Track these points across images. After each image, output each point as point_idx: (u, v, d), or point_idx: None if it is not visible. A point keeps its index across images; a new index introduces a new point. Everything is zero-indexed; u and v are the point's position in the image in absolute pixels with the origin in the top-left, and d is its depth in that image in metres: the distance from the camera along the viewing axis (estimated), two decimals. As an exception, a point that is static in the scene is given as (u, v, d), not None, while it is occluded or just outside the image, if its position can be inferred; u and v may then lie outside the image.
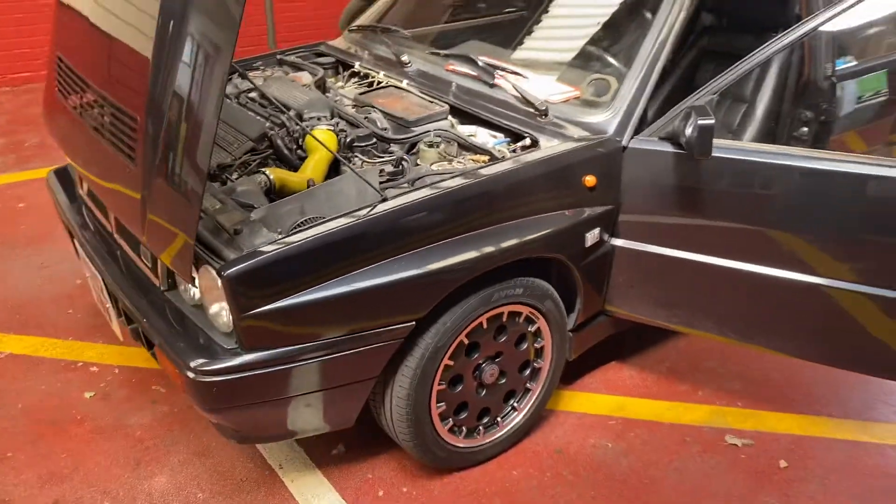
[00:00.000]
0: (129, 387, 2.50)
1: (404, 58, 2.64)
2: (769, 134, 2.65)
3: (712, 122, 1.94)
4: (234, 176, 2.08)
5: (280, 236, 1.77)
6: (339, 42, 3.04)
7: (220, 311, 1.78)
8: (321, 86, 2.67)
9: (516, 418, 2.26)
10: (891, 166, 1.92)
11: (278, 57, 2.98)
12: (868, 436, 2.39)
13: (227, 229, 1.81)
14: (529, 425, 2.30)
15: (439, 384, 2.01)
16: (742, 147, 2.17)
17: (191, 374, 1.73)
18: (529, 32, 2.89)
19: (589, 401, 2.50)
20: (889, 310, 1.99)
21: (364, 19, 3.12)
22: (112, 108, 1.85)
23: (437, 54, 2.64)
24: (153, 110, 1.67)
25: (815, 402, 2.52)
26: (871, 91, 2.78)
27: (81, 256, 2.32)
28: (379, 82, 2.60)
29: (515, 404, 2.26)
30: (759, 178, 2.06)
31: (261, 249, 1.72)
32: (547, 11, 2.94)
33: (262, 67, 2.89)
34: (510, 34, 2.92)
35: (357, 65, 2.76)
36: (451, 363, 2.01)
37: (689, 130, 1.99)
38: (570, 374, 2.56)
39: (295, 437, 1.99)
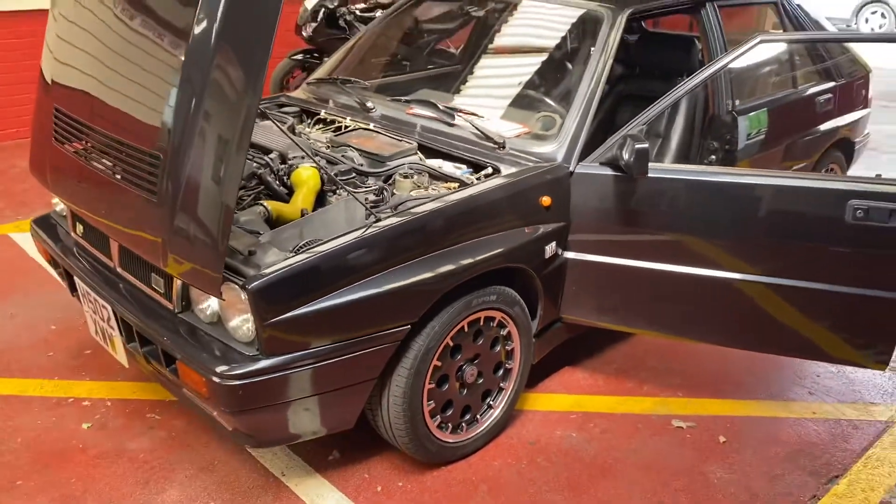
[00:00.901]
0: (124, 416, 2.63)
1: (369, 104, 2.95)
2: (684, 163, 3.09)
3: (646, 146, 2.33)
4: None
5: (291, 254, 2.02)
6: (300, 93, 3.33)
7: (242, 323, 2.00)
8: (292, 131, 2.93)
9: (493, 415, 2.53)
10: (784, 178, 2.37)
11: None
12: (788, 412, 2.78)
13: (241, 252, 2.04)
14: (504, 422, 2.58)
15: (429, 383, 2.27)
16: (669, 168, 2.57)
17: (217, 379, 1.94)
18: (469, 81, 3.28)
19: (551, 400, 2.80)
20: (787, 296, 2.41)
21: (320, 73, 3.42)
22: (130, 149, 2.06)
23: (398, 100, 2.97)
24: (179, 149, 1.89)
25: (744, 388, 2.91)
26: (764, 124, 3.28)
27: (83, 293, 2.47)
28: (347, 126, 2.89)
29: (491, 402, 2.53)
30: (684, 193, 2.46)
31: (277, 266, 1.96)
32: (481, 65, 3.35)
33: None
34: (452, 83, 3.30)
35: (323, 112, 3.04)
36: (440, 364, 2.28)
37: (626, 154, 2.38)
38: (533, 378, 2.85)
39: (300, 440, 2.19)
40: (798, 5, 3.80)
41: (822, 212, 2.33)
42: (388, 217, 2.19)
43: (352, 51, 3.50)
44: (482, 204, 2.32)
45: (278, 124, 2.55)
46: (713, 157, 3.17)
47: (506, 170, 2.49)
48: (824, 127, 3.72)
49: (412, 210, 2.22)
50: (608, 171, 2.49)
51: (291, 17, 6.00)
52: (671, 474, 2.44)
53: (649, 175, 2.41)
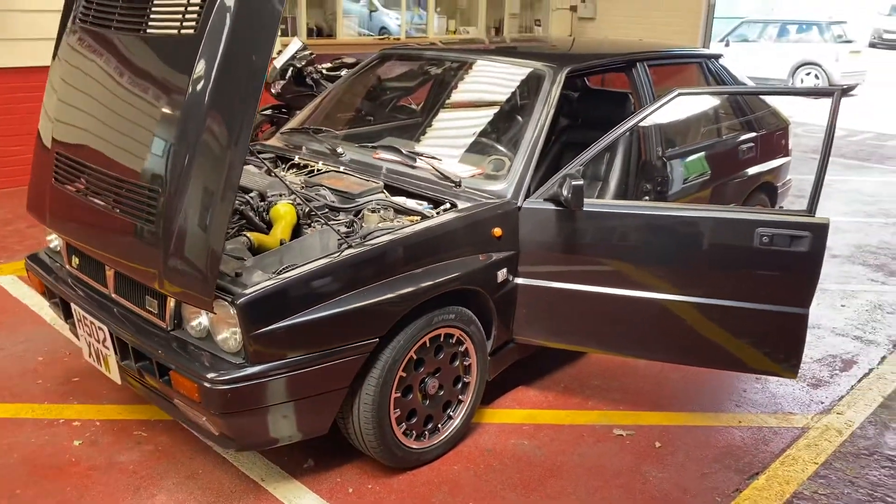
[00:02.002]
0: (112, 434, 2.85)
1: (339, 149, 3.28)
2: (621, 201, 3.46)
3: (582, 182, 2.70)
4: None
5: (273, 275, 2.32)
6: (274, 142, 3.65)
7: (230, 335, 2.28)
8: (269, 174, 3.24)
9: (453, 424, 2.81)
10: (702, 210, 2.75)
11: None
12: (717, 422, 3.11)
13: (229, 274, 2.33)
14: (463, 432, 2.86)
15: (395, 393, 2.55)
16: (602, 202, 2.93)
17: (208, 384, 2.20)
18: (429, 131, 3.65)
19: (505, 414, 3.09)
20: (711, 315, 2.76)
21: (293, 124, 3.76)
22: (131, 185, 2.35)
23: (366, 146, 3.31)
24: (174, 198, 2.18)
25: (679, 402, 3.23)
26: (694, 168, 3.69)
27: (79, 318, 2.71)
28: (319, 169, 3.21)
29: (451, 413, 2.81)
30: (616, 225, 2.82)
31: (261, 284, 2.25)
32: (440, 116, 3.72)
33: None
34: (414, 132, 3.66)
35: (296, 157, 3.37)
36: (404, 375, 2.57)
37: (565, 191, 2.74)
38: (489, 395, 3.14)
39: (286, 443, 2.44)
40: (722, 66, 4.27)
41: (734, 239, 2.71)
42: (359, 245, 2.49)
43: (321, 105, 3.86)
44: (441, 234, 2.65)
45: (266, 164, 2.86)
46: (647, 197, 3.55)
47: (462, 205, 2.82)
48: (748, 172, 4.15)
49: (379, 239, 2.53)
50: (551, 206, 2.84)
51: (261, 75, 6.34)
52: (612, 474, 2.73)
53: (586, 209, 2.77)
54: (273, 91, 6.41)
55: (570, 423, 3.05)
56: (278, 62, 6.40)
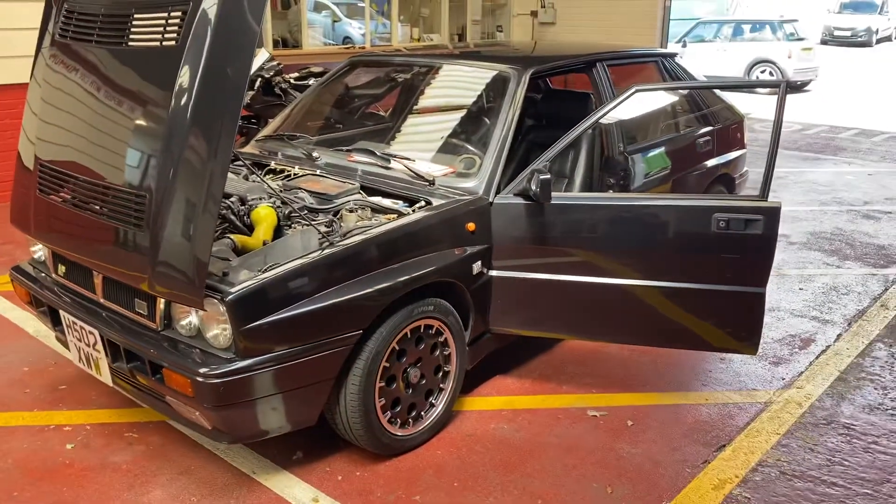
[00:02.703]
0: (104, 437, 2.92)
1: (314, 153, 3.40)
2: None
3: (549, 177, 2.85)
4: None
5: (259, 273, 2.42)
6: (249, 149, 3.74)
7: (220, 332, 2.38)
8: (246, 179, 3.35)
9: (435, 412, 2.93)
10: (662, 199, 2.91)
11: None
12: (685, 400, 3.27)
13: (216, 273, 2.43)
14: (445, 419, 2.98)
15: (380, 382, 2.67)
16: (570, 195, 3.08)
17: (200, 379, 2.30)
18: (400, 133, 3.78)
19: (485, 402, 3.22)
20: (672, 297, 2.92)
21: (266, 132, 3.86)
22: (118, 191, 2.44)
23: (340, 150, 3.43)
24: (161, 187, 2.29)
25: (649, 383, 3.40)
26: (656, 163, 3.86)
27: (68, 324, 2.78)
28: (296, 173, 3.32)
29: (433, 401, 2.94)
30: (582, 215, 2.97)
31: (249, 282, 2.36)
32: (410, 119, 3.86)
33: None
34: (386, 136, 3.79)
35: (273, 163, 3.47)
36: (388, 365, 2.69)
37: (533, 185, 2.88)
38: (469, 385, 3.27)
39: (276, 434, 2.54)
40: (678, 64, 4.47)
41: (693, 225, 2.87)
42: (339, 243, 2.61)
43: (293, 113, 3.96)
44: (417, 230, 2.78)
45: (248, 168, 2.97)
46: (611, 191, 3.72)
47: (436, 202, 2.95)
48: (707, 164, 4.34)
49: (358, 237, 2.65)
50: (521, 201, 2.98)
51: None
52: (587, 452, 2.88)
53: (553, 202, 2.92)
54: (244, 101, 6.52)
55: (547, 407, 3.19)
56: (247, 73, 6.50)
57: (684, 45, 15.74)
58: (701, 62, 15.25)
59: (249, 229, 2.85)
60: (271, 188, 2.93)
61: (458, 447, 2.89)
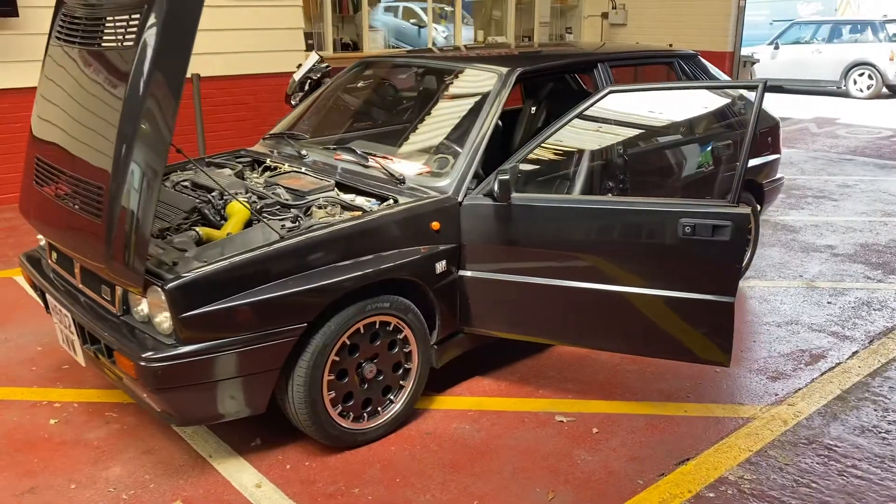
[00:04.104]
0: (86, 414, 3.11)
1: (303, 152, 3.50)
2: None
3: (507, 177, 2.83)
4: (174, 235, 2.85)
5: (204, 264, 2.53)
6: (257, 147, 3.89)
7: (163, 319, 2.50)
8: (240, 176, 3.48)
9: (393, 409, 2.96)
10: (624, 203, 2.83)
11: (207, 160, 3.80)
12: (663, 410, 3.16)
13: (167, 263, 2.55)
14: (405, 416, 3.00)
15: (329, 375, 2.72)
16: (532, 196, 3.00)
17: (142, 363, 2.42)
18: (388, 132, 3.84)
19: (455, 401, 3.22)
20: (638, 302, 2.84)
21: (274, 131, 4.00)
22: (83, 182, 2.60)
23: (329, 148, 3.51)
24: (116, 181, 2.43)
25: (630, 392, 3.30)
26: (650, 163, 3.75)
27: (53, 307, 2.99)
28: (284, 170, 3.43)
29: (392, 397, 2.97)
30: (546, 217, 2.93)
31: (189, 271, 2.46)
32: (399, 118, 3.91)
33: (193, 169, 3.70)
34: (376, 134, 3.85)
35: (268, 160, 3.60)
36: (338, 359, 2.74)
37: (495, 185, 2.87)
38: (442, 383, 3.29)
39: (222, 420, 2.63)
40: (701, 65, 4.31)
41: (659, 229, 2.78)
42: (291, 237, 2.68)
43: (301, 112, 4.09)
44: (373, 227, 2.82)
45: (202, 169, 3.09)
46: (609, 194, 3.64)
47: (402, 200, 2.98)
48: (720, 170, 4.15)
49: (311, 232, 2.71)
50: (488, 201, 2.97)
51: (281, 89, 6.68)
52: (542, 457, 2.84)
53: (516, 203, 2.90)
54: (293, 103, 6.73)
55: (516, 410, 3.16)
56: (297, 76, 6.69)
57: (776, 48, 15.09)
58: (793, 65, 14.61)
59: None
60: (245, 184, 3.03)
61: (412, 444, 2.91)
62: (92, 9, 2.77)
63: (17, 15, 6.00)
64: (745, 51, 11.71)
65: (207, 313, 2.46)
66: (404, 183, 3.10)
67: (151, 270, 2.52)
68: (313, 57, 6.84)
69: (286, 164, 3.49)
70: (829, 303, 4.30)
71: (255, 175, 3.53)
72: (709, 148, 4.06)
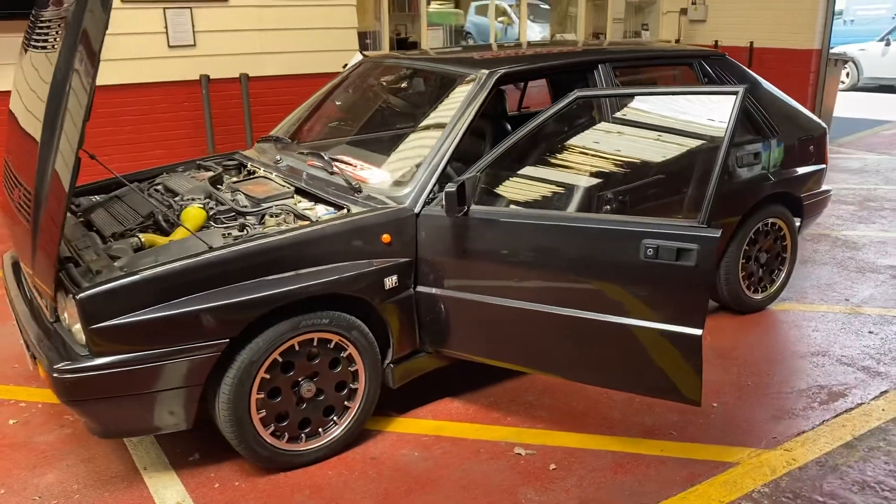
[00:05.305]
0: (46, 416, 3.11)
1: (277, 157, 3.39)
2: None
3: (453, 189, 2.61)
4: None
5: (122, 273, 2.44)
6: (249, 151, 3.82)
7: (78, 329, 2.43)
8: (218, 180, 3.41)
9: (336, 431, 2.80)
10: (582, 221, 2.57)
11: (198, 162, 3.76)
12: (637, 448, 2.86)
13: (92, 271, 2.49)
14: (350, 438, 2.84)
15: (258, 394, 2.59)
16: (489, 210, 2.76)
17: (54, 374, 2.37)
18: (377, 139, 3.69)
19: (413, 424, 3.03)
20: (595, 329, 2.56)
21: (270, 133, 3.92)
22: (24, 189, 2.58)
23: (303, 153, 3.39)
24: (38, 183, 2.40)
25: (607, 425, 3.01)
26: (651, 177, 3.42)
27: (13, 312, 3.00)
28: (257, 175, 3.33)
29: (336, 418, 2.81)
30: (500, 232, 2.71)
31: (103, 280, 2.39)
32: (376, 122, 3.76)
33: (180, 169, 3.66)
34: (368, 141, 3.70)
35: (249, 164, 3.51)
36: (268, 376, 2.61)
37: (444, 198, 2.66)
38: (408, 404, 3.11)
39: (145, 434, 2.56)
40: (730, 65, 3.92)
41: (619, 250, 2.50)
42: (217, 249, 2.55)
43: (295, 115, 3.99)
44: (313, 238, 2.66)
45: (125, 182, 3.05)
46: (608, 207, 3.34)
47: (355, 210, 2.82)
48: (747, 181, 3.76)
49: (241, 244, 2.58)
50: (443, 213, 2.76)
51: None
52: (484, 493, 2.61)
53: (473, 216, 2.68)
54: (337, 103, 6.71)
55: (475, 438, 2.94)
56: (351, 63, 6.68)
57: (888, 44, 13.98)
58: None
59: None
60: (206, 189, 2.96)
61: (352, 469, 2.74)
62: (48, 13, 2.76)
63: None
64: (839, 48, 10.87)
65: (120, 325, 2.37)
66: (361, 192, 2.93)
67: (76, 279, 2.47)
68: (357, 57, 6.78)
69: (261, 169, 3.39)
70: (870, 332, 3.83)
71: (235, 179, 3.45)
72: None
